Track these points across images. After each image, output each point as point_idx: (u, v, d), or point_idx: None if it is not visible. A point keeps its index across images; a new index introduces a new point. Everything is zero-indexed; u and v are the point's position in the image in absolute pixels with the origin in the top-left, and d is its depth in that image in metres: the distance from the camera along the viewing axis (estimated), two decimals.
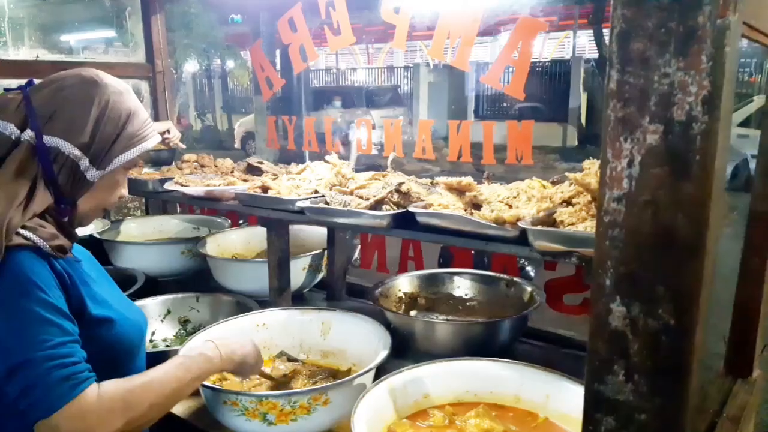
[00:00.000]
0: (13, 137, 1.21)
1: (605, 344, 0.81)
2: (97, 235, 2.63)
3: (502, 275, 2.09)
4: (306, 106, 3.08)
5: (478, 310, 2.11)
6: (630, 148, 0.77)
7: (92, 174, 1.26)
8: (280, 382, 1.72)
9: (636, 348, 0.79)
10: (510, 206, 1.68)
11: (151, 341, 2.17)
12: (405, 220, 1.69)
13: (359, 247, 2.50)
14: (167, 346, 2.15)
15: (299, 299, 2.40)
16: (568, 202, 1.62)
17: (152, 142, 1.36)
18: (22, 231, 1.15)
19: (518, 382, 1.54)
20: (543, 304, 1.95)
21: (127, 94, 1.32)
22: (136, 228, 2.95)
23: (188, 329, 2.26)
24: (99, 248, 2.65)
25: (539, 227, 1.42)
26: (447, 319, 2.06)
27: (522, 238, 1.46)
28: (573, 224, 1.47)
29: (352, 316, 1.88)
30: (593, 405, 0.84)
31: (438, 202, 1.70)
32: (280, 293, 2.14)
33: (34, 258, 1.16)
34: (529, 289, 1.99)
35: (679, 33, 0.72)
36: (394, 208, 1.74)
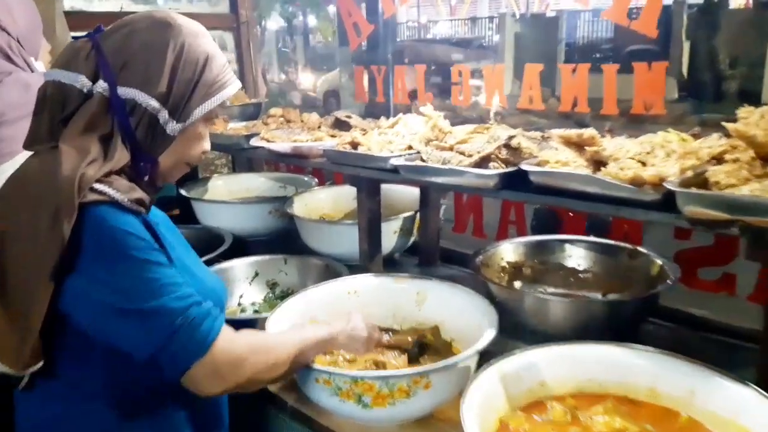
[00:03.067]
0: (85, 89, 1.09)
1: None
2: (184, 193, 2.58)
3: (623, 244, 1.82)
4: (393, 56, 2.86)
5: (594, 284, 1.86)
6: None
7: (172, 127, 1.14)
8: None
9: None
10: (644, 164, 1.41)
11: (238, 305, 2.11)
12: (515, 180, 1.46)
13: (443, 207, 2.27)
14: (255, 311, 2.07)
15: (390, 264, 2.24)
16: (718, 159, 1.33)
17: (233, 88, 1.22)
18: (96, 185, 1.04)
19: (654, 372, 1.30)
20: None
21: (203, 37, 1.18)
22: (223, 186, 2.89)
23: (276, 293, 2.17)
24: (186, 206, 2.61)
25: (693, 190, 1.16)
26: (561, 294, 1.82)
27: (665, 203, 1.21)
28: (732, 186, 1.18)
29: (450, 287, 1.70)
30: None
31: (555, 158, 1.45)
32: (371, 258, 1.99)
33: (115, 210, 1.05)
34: (658, 261, 1.72)
35: None
36: (503, 165, 1.51)
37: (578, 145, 1.53)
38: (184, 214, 2.71)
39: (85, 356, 1.11)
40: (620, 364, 1.34)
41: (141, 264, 1.03)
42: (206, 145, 1.26)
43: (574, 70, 1.90)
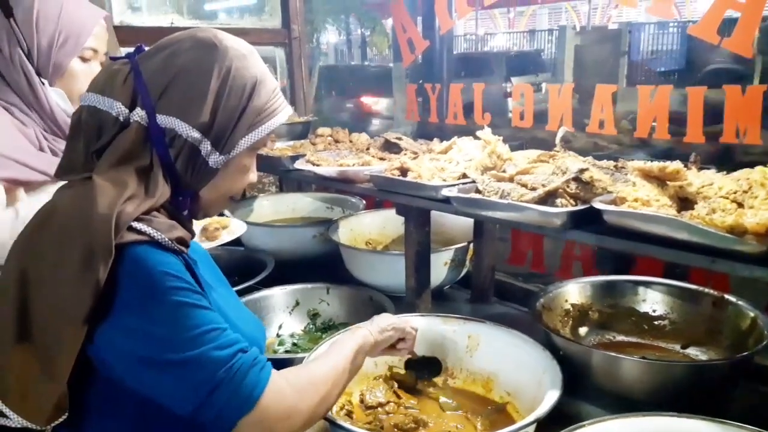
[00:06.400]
0: (121, 118, 0.99)
1: None
2: (228, 214, 2.50)
3: (708, 290, 1.59)
4: (448, 73, 2.72)
5: (671, 333, 1.64)
6: None
7: (215, 160, 1.03)
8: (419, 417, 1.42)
9: None
10: (740, 204, 1.20)
11: (277, 335, 1.99)
12: (585, 219, 1.28)
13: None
14: (294, 343, 1.94)
15: (439, 297, 2.08)
16: None
17: (283, 116, 1.11)
18: (134, 224, 0.94)
19: None
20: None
21: (251, 57, 1.07)
22: (269, 206, 2.81)
23: (317, 324, 2.04)
24: None
25: None
26: (633, 343, 1.61)
27: None
28: None
29: (507, 334, 1.52)
30: None
31: (633, 196, 1.26)
32: (419, 293, 1.83)
33: (154, 249, 0.95)
34: (750, 313, 1.48)
35: None
36: (571, 201, 1.33)
37: (660, 180, 1.33)
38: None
39: (114, 408, 1.00)
40: None
41: (180, 308, 0.93)
42: (252, 177, 1.15)
43: (652, 92, 1.70)
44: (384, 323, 1.34)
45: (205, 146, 1.01)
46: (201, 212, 1.12)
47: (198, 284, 1.00)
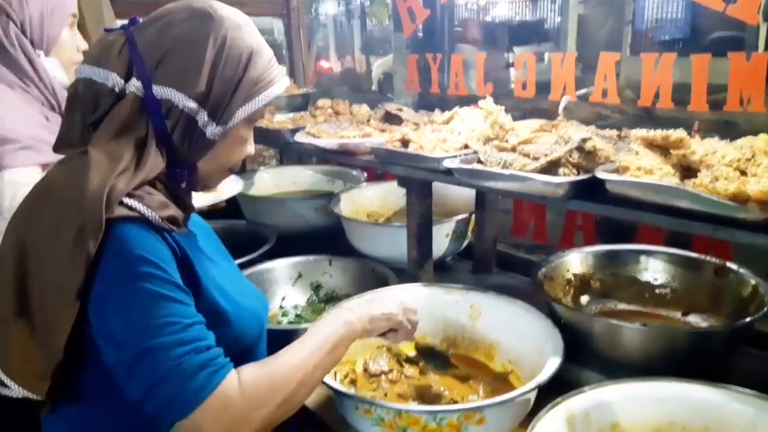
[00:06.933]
0: (117, 89, 0.98)
1: None
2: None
3: (710, 258, 1.60)
4: (449, 43, 2.68)
5: (672, 301, 1.64)
6: None
7: (212, 131, 1.02)
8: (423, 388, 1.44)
9: None
10: (743, 173, 1.20)
11: (281, 307, 2.01)
12: (588, 188, 1.28)
13: None
14: (297, 315, 1.96)
15: (441, 269, 2.09)
16: None
17: (280, 86, 1.09)
18: (126, 200, 0.94)
19: (752, 420, 1.10)
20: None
21: (247, 28, 1.05)
22: (269, 179, 2.80)
23: (320, 295, 2.06)
24: (233, 199, 2.53)
25: None
26: (634, 311, 1.62)
27: None
28: None
29: (509, 303, 1.53)
30: None
31: (636, 164, 1.25)
32: (421, 264, 1.83)
33: (142, 230, 0.94)
34: (751, 280, 1.49)
35: None
36: (574, 171, 1.33)
37: (663, 148, 1.33)
38: (230, 206, 2.64)
39: (110, 381, 1.01)
40: (710, 407, 1.15)
41: (149, 297, 0.91)
42: (250, 149, 1.14)
43: (657, 60, 1.68)
44: (378, 311, 1.21)
45: (202, 117, 1.00)
46: (199, 185, 1.11)
47: (189, 265, 1.00)
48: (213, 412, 0.89)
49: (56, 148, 1.04)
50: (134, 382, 0.91)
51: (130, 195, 0.95)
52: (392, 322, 1.24)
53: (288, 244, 2.21)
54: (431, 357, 1.57)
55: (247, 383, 0.94)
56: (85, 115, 1.00)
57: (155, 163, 0.99)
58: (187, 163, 1.05)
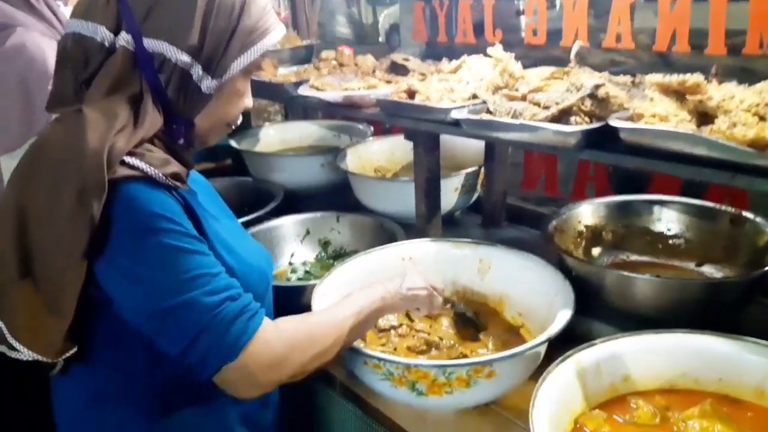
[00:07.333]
0: (107, 43, 0.95)
1: None
2: (234, 144, 2.47)
3: (725, 207, 1.56)
4: None
5: (686, 252, 1.61)
6: None
7: (208, 84, 0.99)
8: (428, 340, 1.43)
9: None
10: (762, 118, 1.15)
11: (290, 263, 2.01)
12: (601, 137, 1.23)
13: None
14: (306, 271, 1.96)
15: (450, 223, 2.06)
16: None
17: (276, 35, 1.05)
18: (127, 159, 0.92)
19: (765, 370, 1.09)
20: None
21: None
22: (275, 135, 2.75)
23: (329, 252, 2.05)
24: (239, 156, 2.50)
25: None
26: (647, 262, 1.59)
27: None
28: None
29: (518, 256, 1.51)
30: None
31: (651, 111, 1.20)
32: (429, 219, 1.81)
33: (149, 187, 0.93)
34: (767, 230, 1.45)
35: None
36: (586, 119, 1.28)
37: (679, 94, 1.27)
38: (236, 164, 2.62)
39: (123, 342, 1.02)
40: (722, 358, 1.13)
41: (172, 252, 0.92)
42: (248, 101, 1.11)
43: (672, 2, 1.60)
44: (409, 292, 1.25)
45: (196, 70, 0.97)
46: (198, 141, 1.09)
47: (196, 221, 0.99)
48: (256, 353, 0.96)
49: (49, 107, 1.01)
50: (172, 337, 0.93)
51: (130, 153, 0.93)
52: (418, 302, 1.28)
53: (295, 200, 2.19)
54: (464, 322, 1.54)
55: (286, 328, 1.02)
56: (76, 71, 0.97)
57: (154, 119, 0.96)
58: (183, 119, 1.02)
